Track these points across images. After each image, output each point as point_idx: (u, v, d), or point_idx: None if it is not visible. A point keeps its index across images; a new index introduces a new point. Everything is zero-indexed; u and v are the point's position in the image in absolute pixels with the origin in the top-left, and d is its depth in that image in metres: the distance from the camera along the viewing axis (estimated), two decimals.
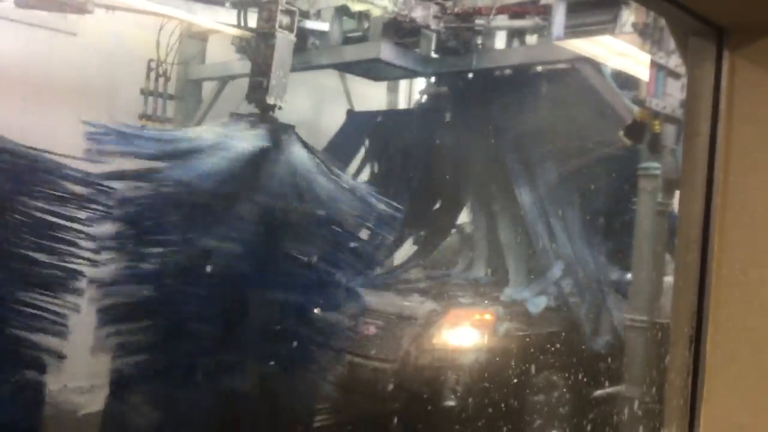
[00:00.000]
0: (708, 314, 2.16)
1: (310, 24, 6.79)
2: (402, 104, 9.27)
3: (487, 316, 5.86)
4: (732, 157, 2.23)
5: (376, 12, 6.42)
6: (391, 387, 5.44)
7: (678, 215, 2.39)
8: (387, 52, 6.67)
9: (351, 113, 8.33)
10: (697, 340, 2.17)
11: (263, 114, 5.41)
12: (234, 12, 6.56)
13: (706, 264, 2.19)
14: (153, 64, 7.47)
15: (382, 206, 5.44)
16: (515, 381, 5.66)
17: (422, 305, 5.97)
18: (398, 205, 5.69)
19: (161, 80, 7.55)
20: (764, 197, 2.17)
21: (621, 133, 5.46)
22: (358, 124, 8.07)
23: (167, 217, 4.74)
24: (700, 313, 2.18)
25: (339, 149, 7.55)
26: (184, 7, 6.55)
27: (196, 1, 6.56)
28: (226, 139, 4.97)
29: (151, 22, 7.13)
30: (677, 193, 5.48)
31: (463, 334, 5.81)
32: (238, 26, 6.35)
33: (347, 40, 7.14)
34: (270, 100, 5.35)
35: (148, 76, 7.51)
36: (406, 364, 5.52)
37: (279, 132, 5.15)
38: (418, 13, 6.66)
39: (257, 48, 5.35)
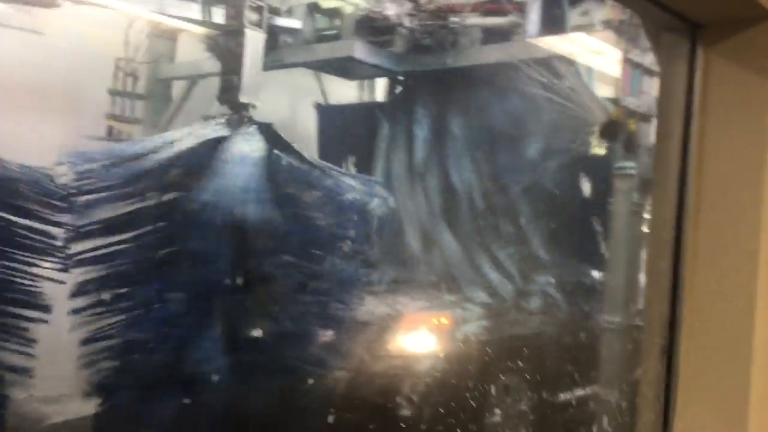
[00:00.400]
0: (681, 324, 2.07)
1: (282, 21, 6.65)
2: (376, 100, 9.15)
3: (444, 320, 5.63)
4: (706, 160, 2.13)
5: (348, 9, 6.30)
6: (343, 396, 5.19)
7: (650, 220, 2.30)
8: (360, 50, 6.56)
9: (320, 107, 8.20)
10: (670, 350, 2.08)
11: (237, 114, 5.26)
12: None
13: (678, 271, 2.10)
14: (121, 63, 7.28)
15: (376, 198, 5.32)
16: (473, 387, 5.43)
17: (376, 309, 5.72)
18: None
19: (130, 80, 7.36)
20: (739, 201, 2.08)
21: (597, 132, 5.39)
22: (330, 117, 7.97)
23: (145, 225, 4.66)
24: (672, 323, 2.09)
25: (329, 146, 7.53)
26: (155, 3, 6.38)
27: None
28: (201, 143, 4.85)
29: (119, 20, 6.95)
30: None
31: (419, 340, 5.55)
32: (204, 23, 6.19)
33: (320, 38, 7.01)
34: (243, 99, 5.20)
35: (116, 76, 7.32)
36: (359, 372, 5.29)
37: (258, 131, 5.01)
38: (392, 11, 6.55)
39: (226, 46, 5.20)
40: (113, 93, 7.34)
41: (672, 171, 2.17)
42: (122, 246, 4.77)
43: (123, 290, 4.74)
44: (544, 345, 5.97)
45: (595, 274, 6.44)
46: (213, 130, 5.04)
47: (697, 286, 2.07)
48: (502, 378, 5.69)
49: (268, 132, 5.10)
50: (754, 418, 1.94)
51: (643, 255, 5.39)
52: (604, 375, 5.05)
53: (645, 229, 5.34)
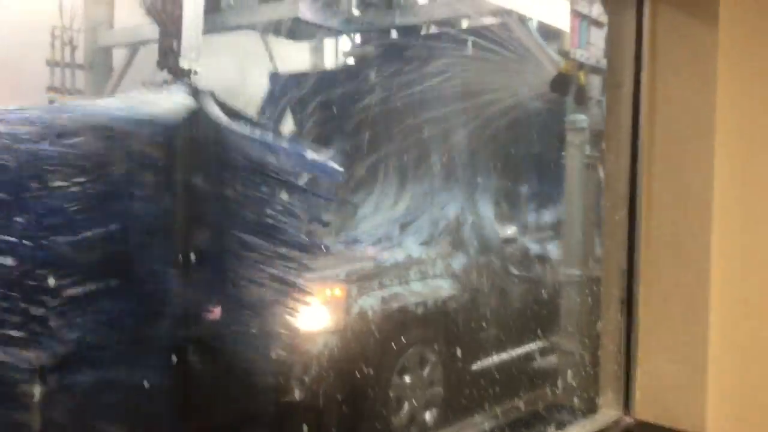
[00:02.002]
0: (639, 274, 2.08)
1: None
2: (328, 65, 9.00)
3: (338, 291, 5.02)
4: (657, 108, 2.13)
5: None
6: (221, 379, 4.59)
7: (603, 171, 2.29)
8: (306, 10, 6.41)
9: (275, 76, 8.03)
10: (629, 301, 2.09)
11: (178, 80, 5.10)
12: None
13: (634, 222, 2.11)
14: (57, 32, 7.01)
15: (318, 161, 5.12)
16: (376, 364, 4.97)
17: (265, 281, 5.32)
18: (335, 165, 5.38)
19: (68, 49, 7.10)
20: (692, 149, 2.08)
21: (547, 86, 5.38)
22: (282, 87, 7.79)
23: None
24: (630, 274, 2.10)
25: (268, 114, 7.30)
26: None
27: None
28: (139, 109, 4.66)
29: None
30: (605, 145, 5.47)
31: (308, 315, 4.93)
32: None
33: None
34: (184, 65, 5.04)
35: (52, 45, 7.05)
36: (242, 355, 4.63)
37: (197, 98, 4.85)
38: None
39: (163, 8, 5.01)
40: (52, 64, 7.08)
41: (624, 121, 2.16)
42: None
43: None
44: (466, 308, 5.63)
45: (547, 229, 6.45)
46: (151, 98, 4.84)
47: (652, 236, 2.08)
48: (413, 350, 5.24)
49: (207, 99, 4.94)
50: (714, 364, 1.97)
51: (598, 208, 5.44)
52: (568, 326, 5.11)
53: (599, 181, 5.38)
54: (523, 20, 6.04)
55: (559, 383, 5.16)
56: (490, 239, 6.09)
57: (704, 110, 1.99)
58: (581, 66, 5.38)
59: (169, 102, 4.65)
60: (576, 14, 5.33)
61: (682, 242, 2.04)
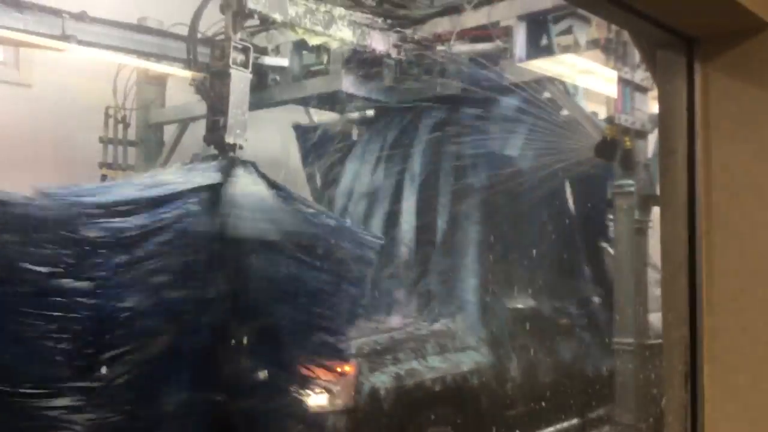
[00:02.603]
0: (702, 347, 2.00)
1: (269, 60, 6.64)
2: None
3: (347, 367, 4.60)
4: (713, 174, 2.08)
5: (334, 44, 6.29)
6: None
7: (661, 240, 2.24)
8: (348, 83, 6.55)
9: (298, 127, 8.15)
10: (693, 376, 2.01)
11: (223, 154, 5.22)
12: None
13: (695, 292, 2.04)
14: (111, 111, 7.27)
15: (362, 238, 5.09)
16: None
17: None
18: (378, 236, 5.30)
19: (120, 127, 7.35)
20: (750, 215, 2.02)
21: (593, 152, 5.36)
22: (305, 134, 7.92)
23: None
24: (693, 346, 2.02)
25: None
26: (147, 47, 6.37)
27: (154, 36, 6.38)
28: (186, 181, 4.75)
29: (106, 69, 6.95)
30: (655, 210, 5.39)
31: (315, 394, 4.56)
32: (189, 65, 6.19)
33: (308, 74, 7.01)
34: (229, 139, 5.17)
35: (106, 124, 7.31)
36: None
37: (237, 169, 4.94)
38: (379, 44, 6.55)
39: (212, 87, 5.18)
40: (104, 141, 7.31)
41: (679, 188, 2.11)
42: None
43: None
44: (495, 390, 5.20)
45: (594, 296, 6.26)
46: (197, 170, 4.94)
47: (715, 306, 2.01)
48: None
49: (248, 170, 5.03)
50: None
51: (649, 272, 5.32)
52: (624, 395, 4.89)
53: (648, 246, 5.29)
54: (563, 86, 6.07)
55: None
56: (510, 309, 5.82)
57: (762, 175, 1.95)
58: (626, 131, 5.36)
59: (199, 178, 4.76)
60: (620, 80, 5.35)
61: (747, 312, 1.96)
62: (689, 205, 2.11)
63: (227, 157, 5.09)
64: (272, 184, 5.04)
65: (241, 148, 5.22)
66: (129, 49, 6.21)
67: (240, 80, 5.13)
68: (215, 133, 5.08)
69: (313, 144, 7.73)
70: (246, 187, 4.83)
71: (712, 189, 2.06)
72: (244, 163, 5.05)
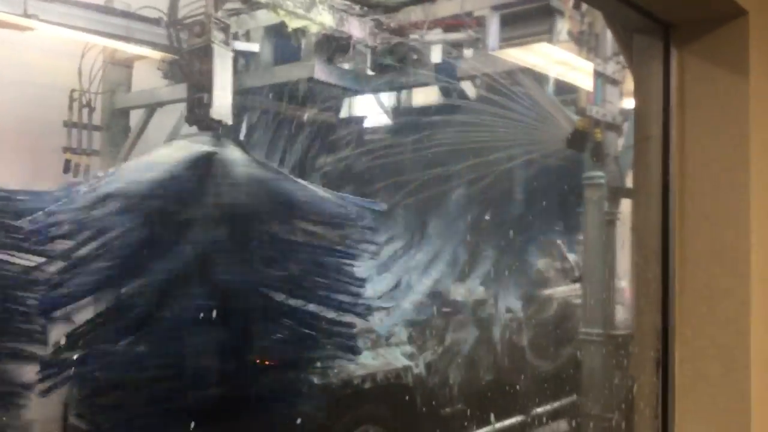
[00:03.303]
0: (674, 333, 1.99)
1: (240, 45, 6.53)
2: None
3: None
4: (687, 160, 2.07)
5: (314, 28, 6.20)
6: None
7: (633, 227, 2.22)
8: (321, 71, 6.46)
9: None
10: (664, 361, 2.00)
11: (208, 131, 5.05)
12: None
13: (667, 278, 2.03)
14: (75, 95, 7.09)
15: (360, 206, 4.97)
16: None
17: None
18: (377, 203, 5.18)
19: (85, 111, 7.17)
20: (724, 201, 2.02)
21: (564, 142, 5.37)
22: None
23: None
24: (665, 333, 2.01)
25: None
26: (116, 28, 6.22)
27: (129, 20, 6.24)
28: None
29: (71, 50, 6.78)
30: (623, 202, 5.42)
31: None
32: (171, 47, 6.05)
33: (281, 61, 6.92)
34: (215, 116, 5.01)
35: (70, 107, 7.12)
36: None
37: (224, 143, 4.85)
38: (356, 30, 6.49)
39: (191, 65, 5.04)
40: (69, 125, 7.13)
41: (653, 175, 2.10)
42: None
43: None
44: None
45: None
46: (195, 146, 4.81)
47: (687, 293, 2.00)
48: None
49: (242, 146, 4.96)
50: (756, 428, 1.86)
51: (618, 264, 5.35)
52: (590, 385, 4.92)
53: (617, 237, 5.31)
54: (538, 78, 6.07)
55: None
56: (458, 300, 5.72)
57: (738, 162, 1.94)
58: (597, 123, 5.38)
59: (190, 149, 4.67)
60: (592, 72, 5.36)
61: (718, 298, 1.95)
62: (663, 192, 2.10)
63: (213, 134, 4.95)
64: (258, 160, 4.96)
65: (225, 126, 5.08)
66: (95, 30, 6.06)
67: (222, 57, 5.02)
68: (199, 110, 4.93)
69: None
70: (236, 160, 4.72)
71: (686, 175, 2.05)
72: (229, 140, 4.95)
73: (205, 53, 4.99)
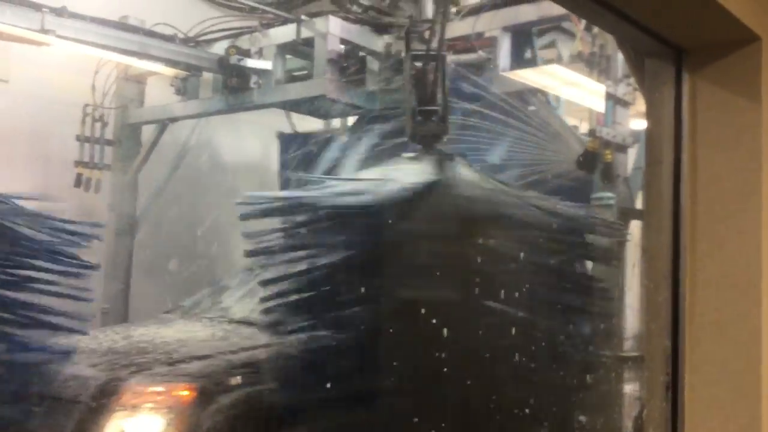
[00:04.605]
0: (684, 358, 1.98)
1: (252, 62, 6.59)
2: None
3: (184, 392, 4.00)
4: (698, 185, 2.07)
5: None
6: None
7: (644, 250, 2.22)
8: (332, 89, 6.50)
9: (282, 135, 8.05)
10: (674, 386, 1.99)
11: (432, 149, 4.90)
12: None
13: (678, 303, 2.02)
14: (89, 109, 7.16)
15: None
16: None
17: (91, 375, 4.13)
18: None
19: (98, 125, 7.24)
20: (734, 226, 2.02)
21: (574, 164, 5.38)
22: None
23: None
24: (675, 358, 2.00)
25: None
26: (134, 44, 6.31)
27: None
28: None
29: (86, 66, 6.86)
30: (632, 223, 5.41)
31: (144, 426, 3.90)
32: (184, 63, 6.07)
33: (292, 78, 6.97)
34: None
35: (83, 122, 7.19)
36: None
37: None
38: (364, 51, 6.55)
39: (417, 74, 4.78)
40: (81, 139, 7.20)
41: (664, 198, 2.10)
42: None
43: None
44: None
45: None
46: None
47: (697, 317, 1.99)
48: None
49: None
50: None
51: (627, 284, 5.33)
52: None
53: (628, 259, 5.30)
54: (546, 98, 6.09)
55: None
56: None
57: (750, 187, 1.94)
58: (608, 144, 5.38)
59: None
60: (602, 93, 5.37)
61: (729, 323, 1.94)
62: (674, 216, 2.10)
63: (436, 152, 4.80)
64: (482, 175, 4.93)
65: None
66: (109, 46, 6.14)
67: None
68: (425, 126, 4.69)
69: (295, 153, 7.62)
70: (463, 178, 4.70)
71: (697, 200, 2.06)
72: (452, 156, 4.86)
73: (433, 61, 4.72)
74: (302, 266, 4.59)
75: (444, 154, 4.77)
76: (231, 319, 5.33)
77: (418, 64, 4.84)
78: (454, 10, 4.87)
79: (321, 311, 4.49)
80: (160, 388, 4.01)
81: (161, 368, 4.18)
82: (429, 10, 6.31)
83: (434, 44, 4.78)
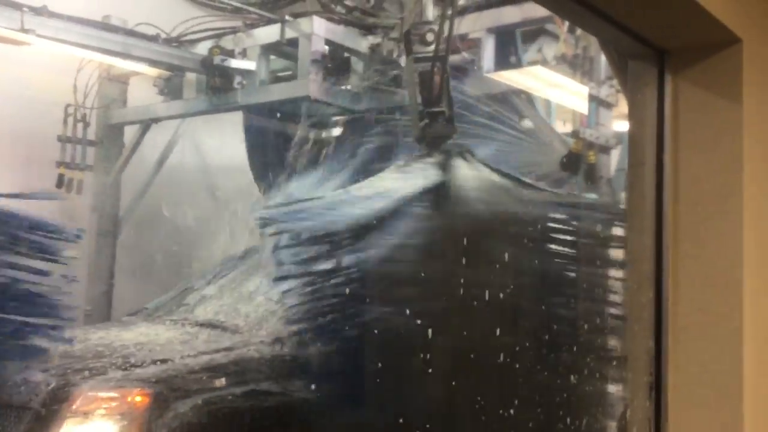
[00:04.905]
0: (667, 358, 1.99)
1: (236, 63, 6.56)
2: None
3: (138, 398, 3.91)
4: (680, 186, 2.08)
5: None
6: None
7: (626, 251, 2.23)
8: (316, 89, 6.48)
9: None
10: (657, 386, 2.00)
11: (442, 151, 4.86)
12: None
13: (661, 303, 2.03)
14: (71, 109, 7.10)
15: None
16: None
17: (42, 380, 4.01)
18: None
19: (80, 126, 7.17)
20: (716, 227, 2.03)
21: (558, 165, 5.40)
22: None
23: None
24: (658, 357, 2.01)
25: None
26: (116, 44, 6.25)
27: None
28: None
29: (68, 66, 6.80)
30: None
31: None
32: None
33: (276, 79, 6.94)
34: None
35: (65, 122, 7.13)
36: None
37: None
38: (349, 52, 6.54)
39: (423, 75, 4.69)
40: (63, 140, 7.13)
41: (647, 199, 2.11)
42: None
43: None
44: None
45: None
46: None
47: (680, 318, 2.00)
48: None
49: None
50: None
51: (606, 286, 5.35)
52: None
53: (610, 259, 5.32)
54: (530, 99, 6.11)
55: None
56: None
57: (731, 187, 1.95)
58: (591, 145, 5.41)
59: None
60: (585, 96, 5.40)
61: (712, 323, 1.96)
62: (656, 217, 2.11)
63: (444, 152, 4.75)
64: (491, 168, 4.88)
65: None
66: (91, 46, 6.08)
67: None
68: (433, 128, 4.61)
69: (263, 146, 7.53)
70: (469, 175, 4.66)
71: (680, 201, 2.07)
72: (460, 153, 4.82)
73: (440, 61, 4.63)
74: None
75: (455, 152, 4.70)
76: (195, 321, 5.26)
77: (422, 65, 4.78)
78: (449, 12, 4.85)
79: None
80: (113, 394, 3.91)
81: (116, 373, 4.08)
82: (426, 12, 6.31)
83: (441, 45, 4.73)
